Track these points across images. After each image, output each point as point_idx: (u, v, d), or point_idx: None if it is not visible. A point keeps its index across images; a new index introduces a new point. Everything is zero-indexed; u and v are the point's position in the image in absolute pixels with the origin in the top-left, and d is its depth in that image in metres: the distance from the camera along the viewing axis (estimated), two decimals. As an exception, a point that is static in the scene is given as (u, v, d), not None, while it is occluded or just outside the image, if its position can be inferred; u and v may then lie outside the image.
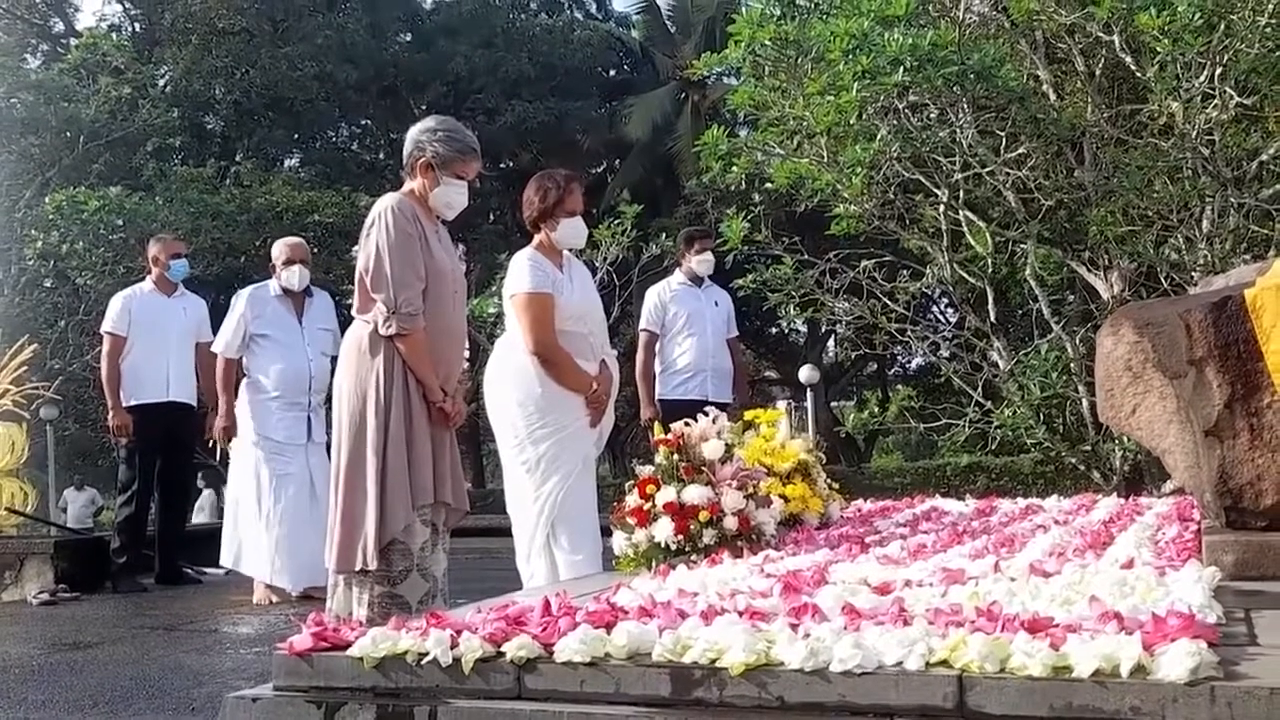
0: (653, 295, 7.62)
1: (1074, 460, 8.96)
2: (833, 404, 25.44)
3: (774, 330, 26.55)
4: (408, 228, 4.26)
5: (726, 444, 4.26)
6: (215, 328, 7.36)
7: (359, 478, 4.22)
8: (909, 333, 9.60)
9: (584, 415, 4.84)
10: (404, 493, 4.17)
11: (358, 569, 4.20)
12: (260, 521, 6.86)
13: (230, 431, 7.02)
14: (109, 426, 7.80)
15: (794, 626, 2.42)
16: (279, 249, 7.11)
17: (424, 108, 25.34)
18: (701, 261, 7.56)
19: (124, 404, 7.59)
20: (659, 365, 7.51)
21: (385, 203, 4.36)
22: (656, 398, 7.47)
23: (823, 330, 22.99)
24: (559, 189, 4.93)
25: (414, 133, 4.49)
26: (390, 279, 4.22)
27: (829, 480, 5.27)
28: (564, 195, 4.93)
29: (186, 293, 7.93)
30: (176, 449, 7.80)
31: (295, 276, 6.98)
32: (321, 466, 6.77)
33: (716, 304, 7.65)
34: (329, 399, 6.82)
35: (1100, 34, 8.16)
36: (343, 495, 4.26)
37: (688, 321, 7.47)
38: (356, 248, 4.53)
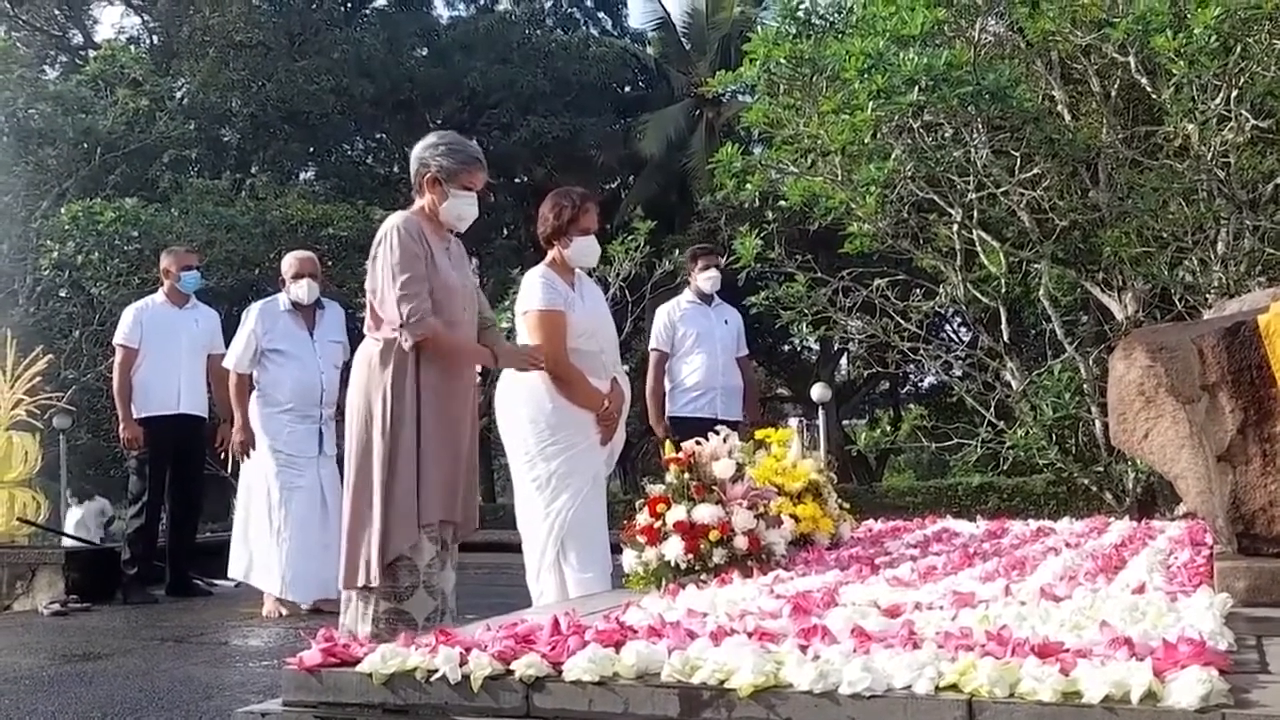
0: (662, 314, 7.63)
1: (1086, 481, 8.94)
2: (845, 422, 25.41)
3: (786, 348, 26.54)
4: (413, 246, 4.27)
5: (737, 463, 4.25)
6: (230, 340, 7.38)
7: (365, 494, 4.22)
8: (921, 352, 9.59)
9: (595, 433, 4.84)
10: (410, 510, 4.16)
11: (360, 585, 4.20)
12: (270, 534, 6.87)
13: (247, 444, 7.03)
14: (120, 438, 7.85)
15: (803, 648, 2.42)
16: (288, 263, 7.14)
17: (439, 122, 25.40)
18: (707, 278, 7.55)
19: (135, 416, 7.62)
20: (668, 383, 7.50)
21: (391, 222, 4.37)
22: (666, 415, 7.47)
23: (835, 348, 22.96)
24: (574, 207, 4.94)
25: (418, 150, 4.50)
26: (396, 295, 4.22)
27: (840, 500, 5.27)
28: (578, 213, 4.94)
29: (199, 304, 7.96)
30: (187, 461, 7.82)
31: (304, 290, 7.01)
32: (332, 479, 6.80)
33: (726, 322, 7.65)
34: (340, 411, 6.87)
35: (1116, 55, 8.16)
36: (349, 511, 4.26)
37: (697, 340, 7.46)
38: (370, 261, 4.54)
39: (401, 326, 4.20)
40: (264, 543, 6.91)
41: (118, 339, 7.76)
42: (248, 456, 7.06)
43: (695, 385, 7.42)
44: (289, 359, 6.94)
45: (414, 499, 4.18)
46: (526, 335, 4.90)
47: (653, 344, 7.63)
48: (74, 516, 12.27)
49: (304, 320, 7.05)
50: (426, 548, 4.20)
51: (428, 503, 4.21)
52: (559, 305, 4.83)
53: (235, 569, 7.15)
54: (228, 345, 7.33)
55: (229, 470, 7.42)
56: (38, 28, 23.97)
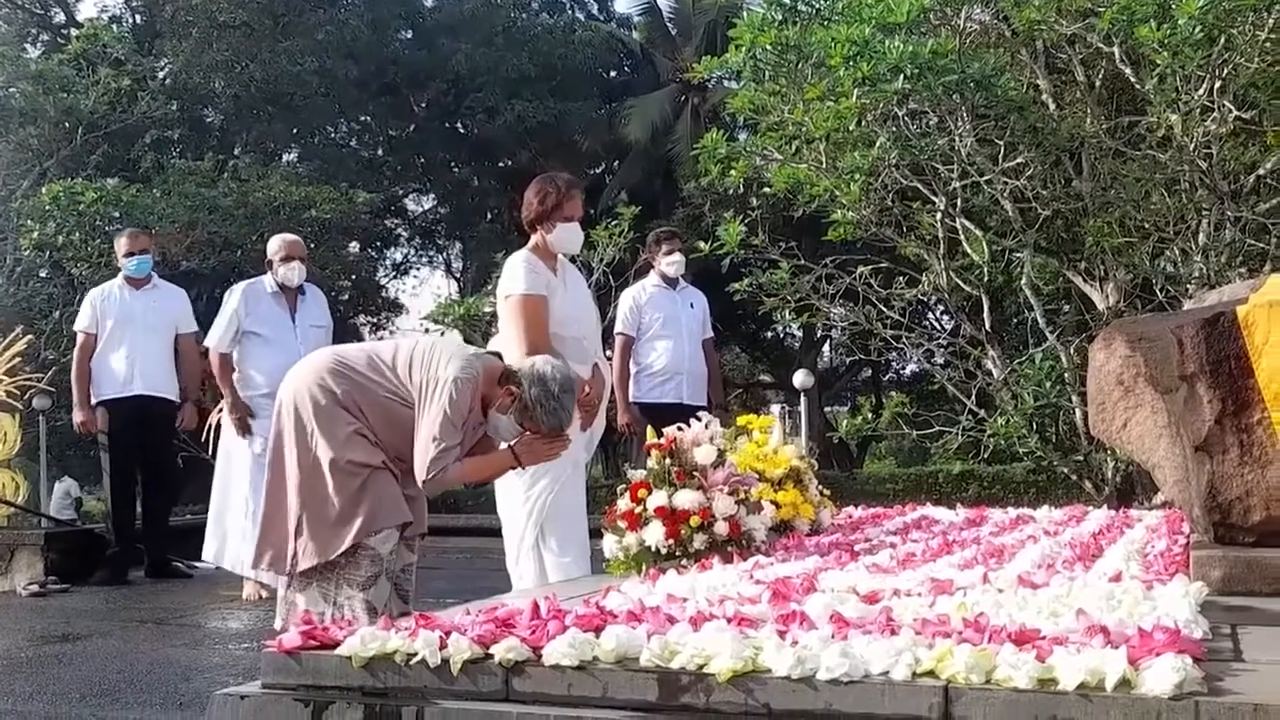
0: (627, 299, 7.60)
1: (1066, 470, 8.98)
2: (827, 409, 25.46)
3: (769, 334, 26.54)
4: (462, 411, 4.10)
5: (719, 449, 4.26)
6: (205, 319, 7.37)
7: (316, 479, 4.16)
8: (904, 339, 9.61)
9: (575, 418, 4.84)
10: (358, 512, 4.12)
11: (301, 570, 4.15)
12: (247, 517, 6.84)
13: (244, 421, 6.93)
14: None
15: (782, 634, 2.43)
16: (276, 245, 7.10)
17: (424, 105, 25.28)
18: (670, 262, 7.52)
19: (93, 401, 7.63)
20: (634, 367, 7.48)
21: (462, 373, 4.11)
22: (631, 400, 7.45)
23: (818, 335, 22.97)
24: (558, 193, 4.93)
25: (537, 371, 4.19)
26: (432, 453, 4.05)
27: (821, 487, 5.28)
28: (562, 200, 4.93)
29: (161, 285, 7.92)
30: (153, 443, 7.79)
31: (294, 273, 6.99)
32: None
33: (692, 305, 7.63)
34: None
35: (1101, 45, 8.18)
36: (290, 492, 4.21)
37: (663, 325, 7.44)
38: (354, 243, 4.45)
39: (424, 482, 4.12)
40: (241, 525, 6.88)
41: (76, 326, 7.87)
42: (244, 435, 6.98)
43: (662, 370, 7.40)
44: (269, 342, 6.90)
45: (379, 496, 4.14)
46: (507, 319, 4.88)
47: (618, 328, 7.58)
48: (58, 491, 12.28)
49: (286, 304, 7.03)
50: (389, 536, 4.17)
51: (385, 509, 4.17)
52: (540, 290, 4.82)
53: (208, 552, 7.12)
54: (201, 324, 7.31)
55: (210, 453, 7.38)
56: (19, 5, 23.76)
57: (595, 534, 4.58)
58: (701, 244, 9.31)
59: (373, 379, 4.20)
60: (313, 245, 13.74)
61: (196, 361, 7.65)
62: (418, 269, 28.27)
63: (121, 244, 7.87)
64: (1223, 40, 7.62)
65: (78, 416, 7.71)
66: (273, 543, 4.21)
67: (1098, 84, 8.74)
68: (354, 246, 22.00)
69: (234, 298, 7.01)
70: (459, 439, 4.10)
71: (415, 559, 4.41)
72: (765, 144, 9.24)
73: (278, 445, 4.26)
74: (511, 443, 4.25)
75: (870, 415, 9.94)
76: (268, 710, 2.55)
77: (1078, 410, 8.37)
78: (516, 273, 4.86)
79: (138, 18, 24.50)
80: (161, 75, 21.89)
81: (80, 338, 7.75)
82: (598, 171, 26.90)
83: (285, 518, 4.17)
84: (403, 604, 4.20)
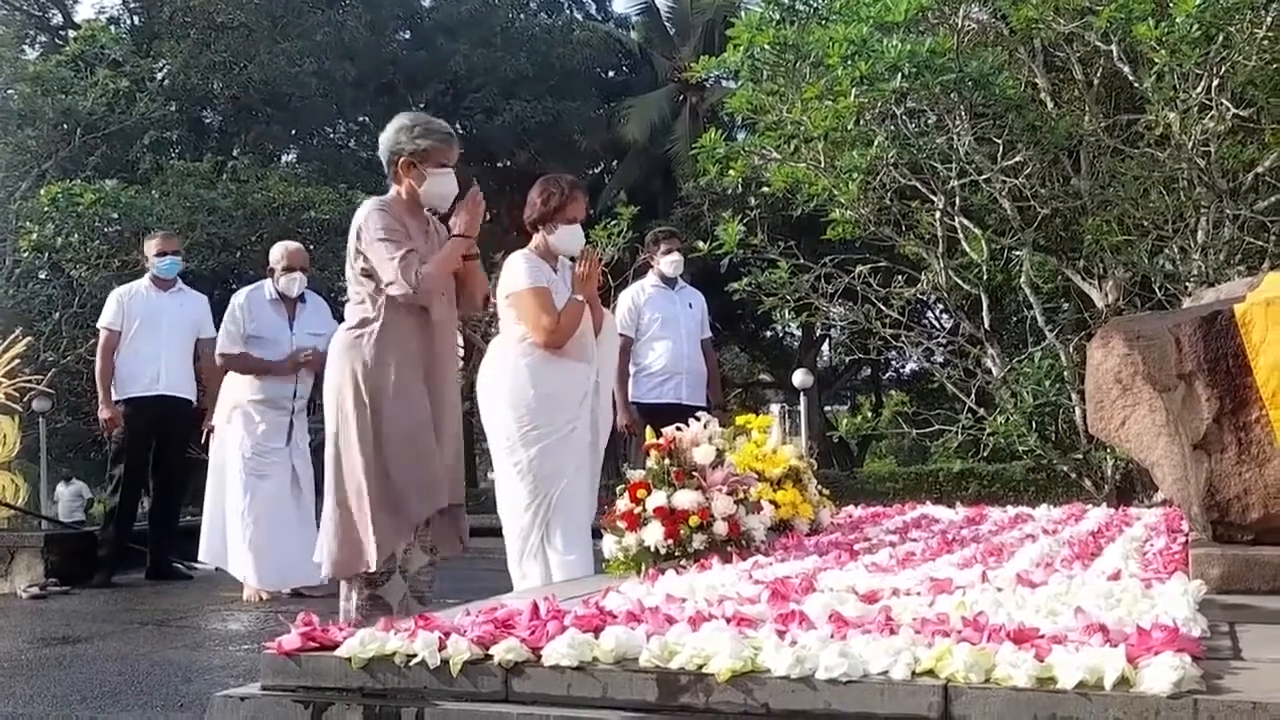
0: (626, 299, 7.58)
1: (1065, 468, 8.99)
2: (826, 408, 25.49)
3: (768, 334, 26.57)
4: (394, 224, 4.25)
5: (718, 449, 4.26)
6: (216, 323, 7.41)
7: (352, 486, 4.19)
8: (903, 338, 9.63)
9: (578, 416, 4.84)
10: (401, 506, 4.15)
11: (360, 572, 4.18)
12: (239, 522, 6.87)
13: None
14: (99, 420, 7.88)
15: (781, 634, 2.43)
16: (279, 253, 7.11)
17: (422, 106, 25.27)
18: (669, 262, 7.50)
19: (115, 398, 7.63)
20: (632, 367, 7.47)
21: (368, 207, 4.36)
22: (630, 400, 7.44)
23: (817, 334, 23.00)
24: (562, 194, 4.95)
25: (388, 136, 4.44)
26: (398, 268, 4.16)
27: (820, 486, 5.28)
28: (566, 202, 4.95)
29: (185, 288, 7.95)
30: (167, 443, 7.81)
31: (295, 284, 7.01)
32: (303, 469, 6.88)
33: (690, 305, 7.62)
34: (310, 403, 6.93)
35: (1098, 43, 8.19)
36: (335, 502, 4.23)
37: (662, 325, 7.43)
38: (350, 251, 4.49)
39: (414, 293, 4.17)
40: (233, 530, 6.91)
41: (100, 322, 7.81)
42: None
43: (661, 370, 7.38)
44: (266, 349, 6.94)
45: (406, 493, 4.17)
46: (518, 313, 4.88)
47: (617, 329, 7.57)
48: (69, 493, 12.33)
49: (285, 312, 7.05)
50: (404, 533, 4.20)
51: (419, 497, 4.19)
52: (544, 283, 4.85)
53: (205, 554, 7.15)
54: (217, 328, 7.36)
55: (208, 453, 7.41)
56: (17, 7, 23.78)
57: (595, 534, 4.59)
58: (700, 243, 9.32)
59: (365, 319, 4.27)
60: (312, 246, 13.75)
61: (215, 366, 7.68)
62: (417, 269, 28.26)
63: (153, 244, 7.89)
64: (1221, 38, 7.62)
65: (104, 414, 7.69)
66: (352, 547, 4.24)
67: (1096, 82, 8.75)
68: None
69: (238, 302, 7.06)
70: (409, 245, 4.21)
71: (428, 560, 4.43)
72: (764, 143, 9.25)
73: (331, 452, 4.32)
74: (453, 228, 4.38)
75: (870, 414, 9.97)
76: (267, 712, 2.55)
77: (1077, 408, 8.38)
78: (518, 269, 4.89)
79: (136, 19, 24.51)
80: (160, 76, 21.90)
81: (104, 334, 7.72)
82: (596, 171, 26.93)
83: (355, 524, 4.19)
84: (420, 606, 4.21)
